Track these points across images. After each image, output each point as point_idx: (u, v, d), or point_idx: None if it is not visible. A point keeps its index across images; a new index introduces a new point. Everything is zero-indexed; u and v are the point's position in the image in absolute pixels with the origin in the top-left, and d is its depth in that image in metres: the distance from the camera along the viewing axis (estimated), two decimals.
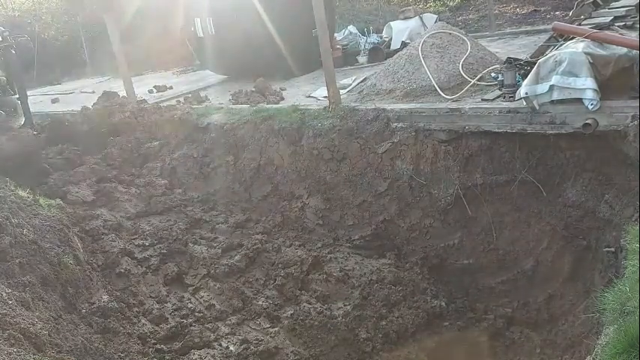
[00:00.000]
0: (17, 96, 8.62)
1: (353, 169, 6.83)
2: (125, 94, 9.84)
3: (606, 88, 4.95)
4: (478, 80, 6.50)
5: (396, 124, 6.45)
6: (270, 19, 9.63)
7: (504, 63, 6.09)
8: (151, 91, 11.57)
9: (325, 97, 7.56)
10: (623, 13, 5.79)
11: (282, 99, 8.67)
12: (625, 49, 4.97)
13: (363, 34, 11.60)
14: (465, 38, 7.22)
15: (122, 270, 6.09)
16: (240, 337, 5.52)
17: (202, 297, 6.06)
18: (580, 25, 5.79)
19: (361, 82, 8.29)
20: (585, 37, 5.12)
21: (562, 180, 5.76)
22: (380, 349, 5.61)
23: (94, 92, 12.33)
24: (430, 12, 13.06)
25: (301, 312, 5.77)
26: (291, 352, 5.44)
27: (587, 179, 5.56)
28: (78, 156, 8.47)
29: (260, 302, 5.97)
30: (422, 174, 6.41)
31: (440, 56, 7.01)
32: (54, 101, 12.67)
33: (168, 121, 8.72)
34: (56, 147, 8.67)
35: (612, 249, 4.88)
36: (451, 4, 15.86)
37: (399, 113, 6.44)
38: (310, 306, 5.87)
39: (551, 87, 5.07)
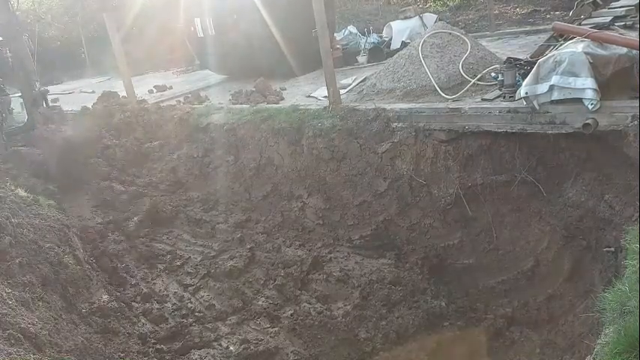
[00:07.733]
0: (19, 94, 8.61)
1: (353, 169, 6.82)
2: (125, 94, 9.84)
3: (606, 88, 4.94)
4: (478, 80, 6.49)
5: (396, 124, 6.45)
6: (270, 19, 9.63)
7: (504, 63, 6.08)
8: (151, 91, 11.58)
9: (325, 97, 7.55)
10: (623, 13, 5.78)
11: (282, 99, 8.67)
12: (625, 49, 4.96)
13: (363, 34, 11.60)
14: (465, 38, 7.21)
15: (122, 270, 6.09)
16: (240, 337, 5.53)
17: (202, 297, 6.07)
18: (580, 25, 5.78)
19: (361, 82, 8.28)
20: (585, 37, 5.12)
21: (562, 180, 5.75)
22: (380, 349, 5.60)
23: (94, 92, 12.34)
24: (430, 12, 13.07)
25: (301, 312, 5.77)
26: (291, 352, 5.44)
27: (587, 179, 5.55)
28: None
29: (260, 302, 5.97)
30: (422, 174, 6.40)
31: (440, 56, 7.00)
32: (54, 101, 12.64)
33: (168, 121, 8.73)
34: None
35: (612, 249, 4.88)
36: (451, 4, 15.87)
37: (399, 113, 6.44)
38: (310, 306, 5.87)
39: (551, 87, 5.06)
